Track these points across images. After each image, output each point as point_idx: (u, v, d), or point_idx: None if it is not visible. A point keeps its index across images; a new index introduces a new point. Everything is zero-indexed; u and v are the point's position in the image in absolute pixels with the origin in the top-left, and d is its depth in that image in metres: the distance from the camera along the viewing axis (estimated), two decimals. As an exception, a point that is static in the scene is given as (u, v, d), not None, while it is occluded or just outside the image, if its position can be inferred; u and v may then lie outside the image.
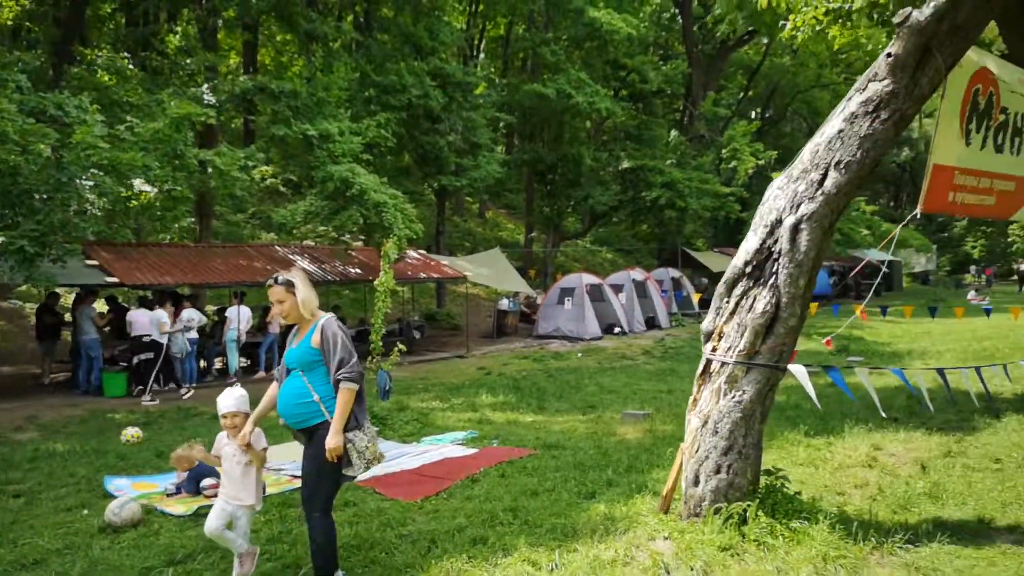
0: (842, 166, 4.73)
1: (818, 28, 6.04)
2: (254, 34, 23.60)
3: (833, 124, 4.86)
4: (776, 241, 4.85)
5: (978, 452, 7.06)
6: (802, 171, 4.90)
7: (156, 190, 12.75)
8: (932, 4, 4.51)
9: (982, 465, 6.62)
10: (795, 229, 4.78)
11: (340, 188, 14.07)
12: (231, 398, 4.34)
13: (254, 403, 4.39)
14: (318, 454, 3.98)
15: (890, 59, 4.68)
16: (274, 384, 4.29)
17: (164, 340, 12.26)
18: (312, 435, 4.06)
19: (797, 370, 5.98)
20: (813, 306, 18.03)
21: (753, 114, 39.51)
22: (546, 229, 28.85)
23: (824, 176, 4.78)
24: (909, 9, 4.59)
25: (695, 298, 23.93)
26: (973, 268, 44.21)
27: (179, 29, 19.15)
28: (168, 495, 6.35)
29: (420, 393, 12.05)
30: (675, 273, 25.89)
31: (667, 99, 34.97)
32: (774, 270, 4.84)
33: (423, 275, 17.98)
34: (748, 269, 4.95)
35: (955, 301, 27.30)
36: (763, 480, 5.01)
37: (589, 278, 21.15)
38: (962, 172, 5.39)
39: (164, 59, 18.65)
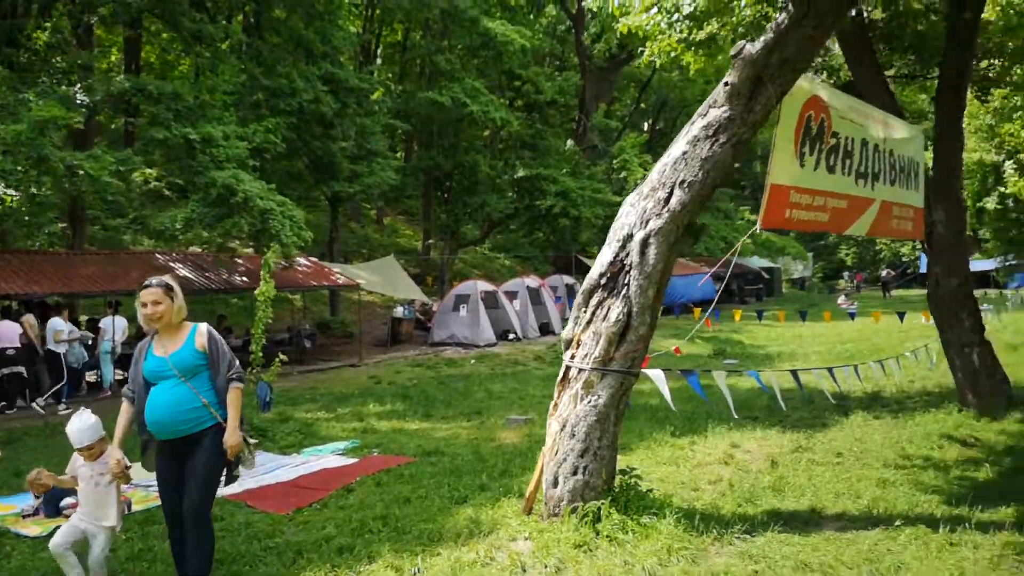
0: (686, 185, 5.10)
1: (673, 55, 6.48)
2: (137, 31, 22.58)
3: (678, 146, 5.24)
4: (628, 255, 5.17)
5: (823, 447, 7.67)
6: (651, 189, 5.25)
7: (20, 195, 12.02)
8: (762, 39, 4.95)
9: (825, 459, 7.21)
10: (644, 243, 5.12)
11: (223, 194, 13.70)
12: (86, 429, 4.18)
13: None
14: (212, 459, 4.04)
15: (727, 87, 5.09)
16: (126, 404, 4.20)
17: (61, 349, 11.77)
18: (199, 441, 4.06)
19: (655, 374, 6.36)
20: (695, 311, 19.01)
21: (645, 126, 40.98)
22: (444, 236, 28.93)
23: (670, 194, 5.14)
24: (743, 43, 5.01)
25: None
26: (846, 274, 47.39)
27: (48, 25, 18.11)
28: (24, 516, 6.08)
29: (306, 403, 11.89)
30: (569, 280, 26.49)
31: (563, 109, 35.82)
32: (626, 282, 5.16)
33: (314, 283, 17.71)
34: (603, 281, 5.25)
35: (827, 306, 29.26)
36: (618, 479, 5.31)
37: (484, 285, 21.39)
38: (798, 191, 5.89)
39: (34, 56, 17.57)
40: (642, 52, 6.98)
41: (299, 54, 20.85)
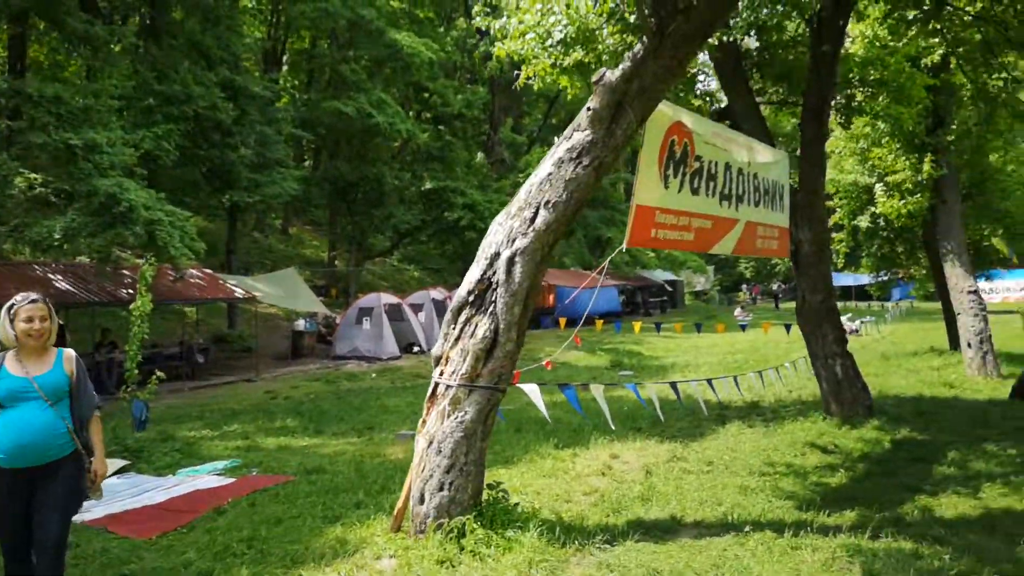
0: (550, 205, 5.25)
1: (550, 79, 6.68)
2: (20, 29, 21.35)
3: (544, 167, 5.39)
4: (495, 272, 5.27)
5: (697, 456, 7.98)
6: (518, 209, 5.37)
7: None
8: (621, 67, 5.16)
9: (697, 468, 7.51)
10: (510, 262, 5.23)
11: (106, 203, 13.10)
12: None
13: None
14: (75, 487, 3.92)
15: (590, 112, 5.28)
16: None
17: None
18: (59, 469, 3.87)
19: (529, 389, 6.48)
20: (598, 323, 19.40)
21: (555, 140, 41.61)
22: (350, 247, 28.55)
23: (536, 214, 5.28)
24: (604, 70, 5.22)
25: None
26: (744, 287, 49.47)
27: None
28: None
29: (192, 421, 11.47)
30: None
31: (475, 123, 36.04)
32: (493, 299, 5.25)
33: (208, 296, 17.13)
34: (471, 298, 5.33)
35: (724, 318, 30.43)
36: (486, 494, 5.38)
37: (388, 297, 21.22)
38: (662, 212, 6.15)
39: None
40: (517, 75, 7.17)
41: (196, 59, 20.23)
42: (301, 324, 21.07)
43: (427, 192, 28.13)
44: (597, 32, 6.25)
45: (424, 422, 5.38)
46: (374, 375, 17.20)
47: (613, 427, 8.19)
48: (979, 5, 7.78)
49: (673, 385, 8.91)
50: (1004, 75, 8.79)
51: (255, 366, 17.80)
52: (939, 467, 7.23)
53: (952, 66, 10.03)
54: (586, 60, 6.48)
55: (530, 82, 6.93)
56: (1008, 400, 10.68)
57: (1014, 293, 33.36)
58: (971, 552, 4.86)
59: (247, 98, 20.54)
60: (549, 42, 6.46)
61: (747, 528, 5.34)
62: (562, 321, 22.03)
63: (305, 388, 15.50)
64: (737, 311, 30.96)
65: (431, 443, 5.21)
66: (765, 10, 7.06)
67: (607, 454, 8.12)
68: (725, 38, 7.44)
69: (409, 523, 5.33)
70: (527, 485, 6.91)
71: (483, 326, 5.23)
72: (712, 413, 10.38)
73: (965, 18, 8.00)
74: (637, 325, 19.35)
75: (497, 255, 5.30)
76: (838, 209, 16.45)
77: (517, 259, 5.23)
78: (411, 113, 29.85)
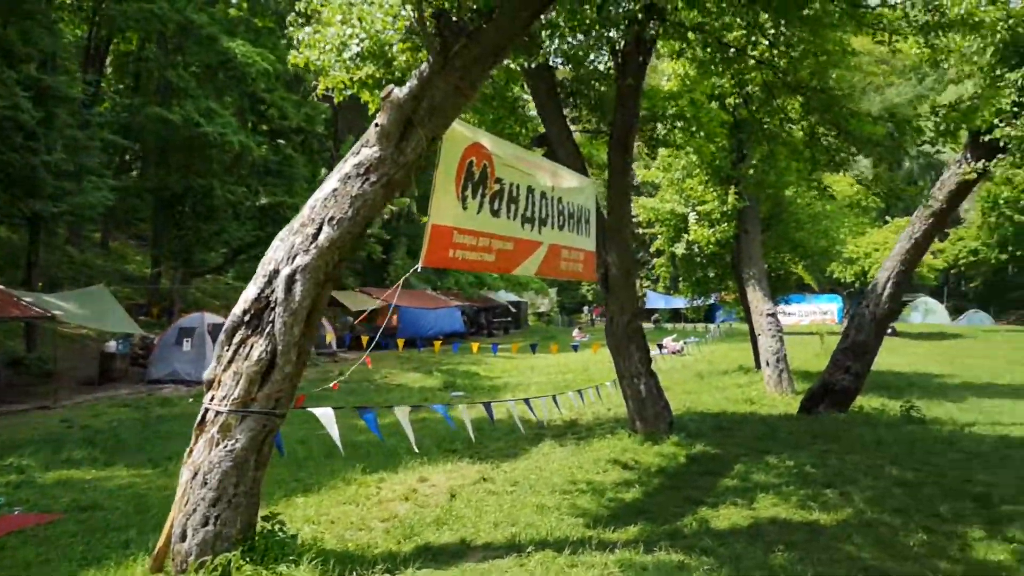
0: (335, 222, 5.07)
1: (349, 92, 6.55)
2: None
3: (330, 183, 5.21)
4: (273, 291, 5.01)
5: (504, 477, 8.00)
6: (301, 224, 5.15)
7: None
8: (408, 85, 5.11)
9: (502, 488, 7.52)
10: (290, 279, 4.99)
11: None
12: None
13: None
14: None
15: (378, 128, 5.17)
16: None
17: None
18: None
19: (323, 413, 6.22)
20: (436, 344, 19.27)
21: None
22: (176, 263, 26.74)
23: (319, 230, 5.08)
24: (392, 87, 5.14)
25: (329, 337, 24.02)
26: (586, 308, 51.26)
27: None
28: None
29: (-41, 456, 10.14)
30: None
31: (320, 138, 35.06)
32: (271, 319, 4.99)
33: (-4, 314, 15.35)
34: (247, 318, 5.03)
35: (562, 338, 31.28)
36: (260, 526, 5.07)
37: (212, 317, 19.99)
38: (460, 232, 6.13)
39: None
40: (315, 87, 6.97)
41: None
42: (112, 346, 19.37)
43: (263, 208, 26.96)
44: (388, 49, 6.19)
45: (190, 452, 5.00)
46: (191, 400, 16.04)
47: (417, 450, 8.04)
48: (760, 50, 8.50)
49: (487, 405, 8.91)
50: (780, 115, 9.66)
51: (54, 392, 16.12)
52: (724, 480, 7.67)
53: (733, 104, 10.92)
54: (378, 75, 6.40)
55: (329, 93, 6.75)
56: (796, 415, 11.62)
57: (817, 316, 36.80)
58: (732, 561, 5.13)
59: (56, 99, 18.80)
60: (346, 54, 6.32)
61: (530, 549, 5.37)
62: (400, 342, 21.76)
63: (109, 415, 14.22)
64: (575, 331, 31.97)
65: (196, 474, 4.84)
66: (569, 41, 7.30)
67: (415, 478, 7.97)
68: (530, 64, 7.63)
69: (171, 562, 4.91)
70: (323, 514, 6.62)
71: (259, 347, 4.95)
72: (530, 432, 10.52)
73: (749, 62, 8.71)
74: (475, 345, 19.48)
75: (276, 272, 5.04)
76: (659, 236, 17.40)
77: (298, 277, 5.00)
78: (248, 125, 28.57)
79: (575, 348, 21.18)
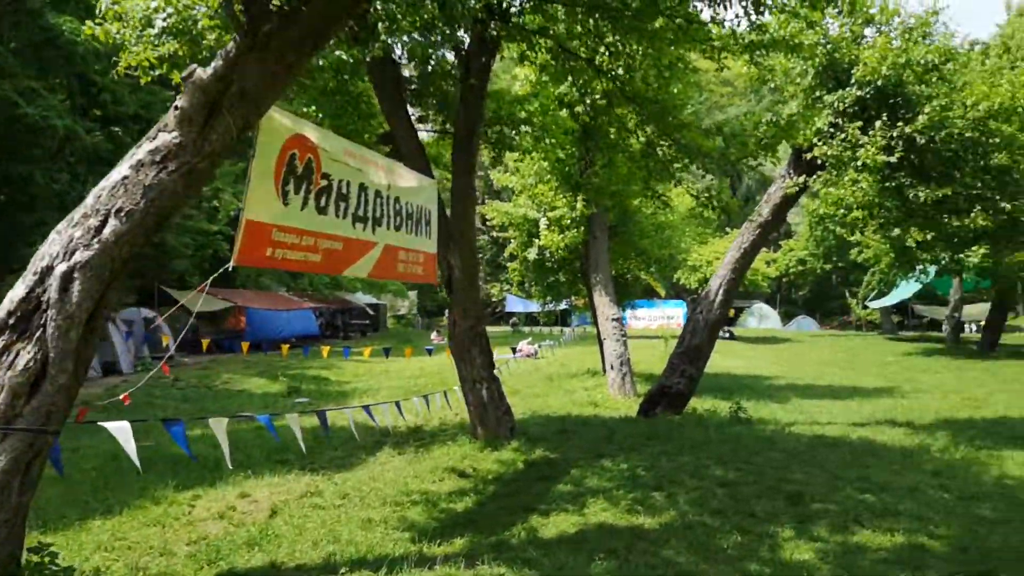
0: (123, 214, 4.51)
1: (157, 72, 5.93)
2: None
3: (120, 170, 4.65)
4: (46, 290, 4.38)
5: (334, 490, 7.57)
6: (83, 216, 4.55)
7: None
8: (213, 66, 4.64)
9: (329, 503, 7.09)
10: (67, 278, 4.38)
11: None
12: None
13: None
14: None
15: (178, 112, 4.66)
16: None
17: None
18: None
19: (120, 428, 5.57)
20: (284, 348, 18.34)
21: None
22: (-13, 258, 23.94)
23: (104, 223, 4.50)
24: (195, 66, 4.65)
25: (165, 340, 22.37)
26: (447, 311, 51.06)
27: None
28: None
29: None
30: (149, 313, 23.98)
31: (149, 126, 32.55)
32: (42, 322, 4.36)
33: None
34: (12, 321, 4.36)
35: (419, 341, 30.91)
36: (25, 559, 4.42)
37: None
38: (280, 230, 5.68)
39: None
40: (115, 63, 6.28)
41: None
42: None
43: (93, 199, 24.66)
44: (193, 26, 5.67)
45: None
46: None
47: (231, 467, 7.44)
48: (601, 60, 8.63)
49: (320, 414, 8.44)
50: (618, 124, 9.90)
51: None
52: (559, 485, 7.64)
53: (580, 112, 11.14)
54: (183, 53, 5.84)
55: (133, 72, 6.09)
56: (635, 417, 11.93)
57: (664, 320, 38.64)
58: (554, 573, 5.04)
59: None
60: (151, 30, 5.73)
61: (343, 570, 5.03)
62: (245, 346, 20.57)
63: None
64: (433, 335, 31.68)
65: (-60, 504, 4.13)
66: (409, 36, 7.02)
67: (236, 494, 7.39)
68: (367, 57, 7.29)
69: (-93, 609, 4.17)
70: (120, 538, 5.96)
71: (26, 355, 4.30)
72: (371, 441, 10.12)
73: (591, 70, 8.83)
74: (325, 349, 18.73)
75: (50, 269, 4.42)
76: (512, 240, 17.46)
77: (76, 275, 4.40)
78: (77, 109, 26.07)
79: (430, 352, 20.87)
